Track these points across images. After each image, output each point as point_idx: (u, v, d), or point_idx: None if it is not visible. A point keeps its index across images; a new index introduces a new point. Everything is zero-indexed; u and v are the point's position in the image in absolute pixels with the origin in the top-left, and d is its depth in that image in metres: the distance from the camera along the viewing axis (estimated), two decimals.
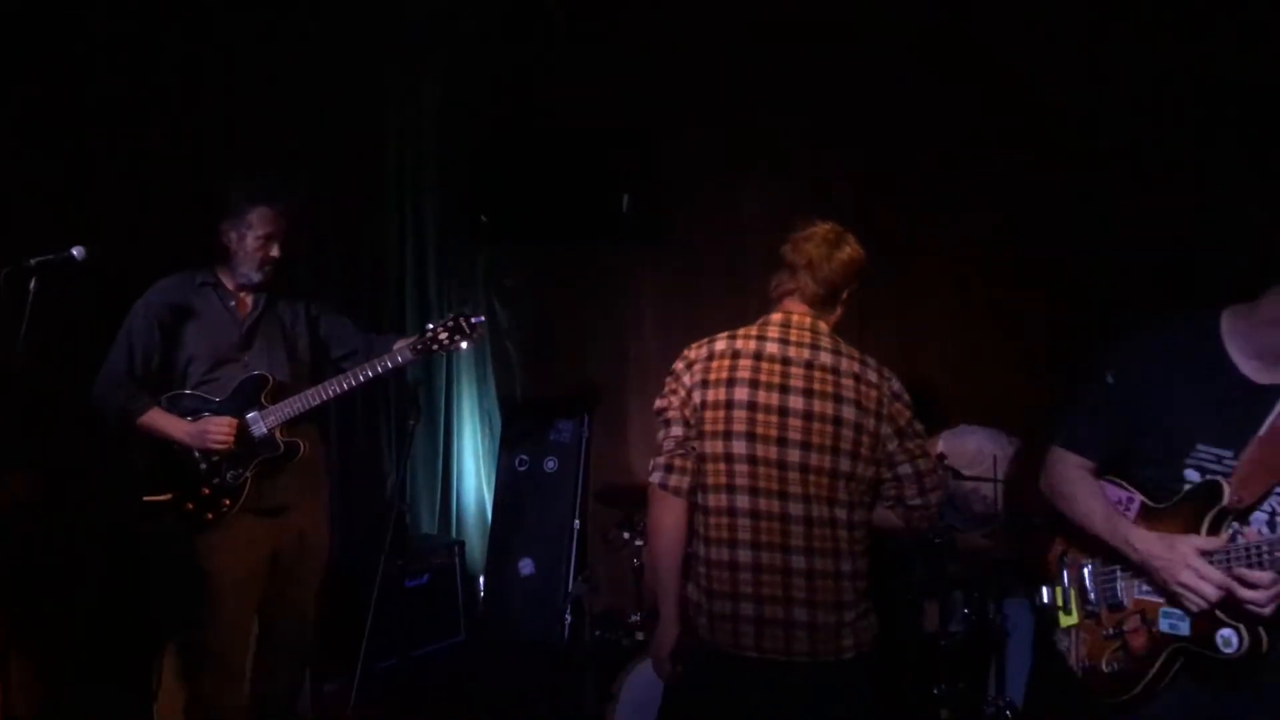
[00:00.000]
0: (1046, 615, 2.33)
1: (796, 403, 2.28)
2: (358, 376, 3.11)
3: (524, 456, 4.70)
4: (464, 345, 3.20)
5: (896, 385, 2.36)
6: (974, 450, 3.62)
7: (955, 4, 3.98)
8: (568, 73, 4.55)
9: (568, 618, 4.20)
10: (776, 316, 2.40)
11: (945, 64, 3.99)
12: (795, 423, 2.27)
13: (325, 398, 3.12)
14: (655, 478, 2.33)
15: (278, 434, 3.11)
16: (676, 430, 2.33)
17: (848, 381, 2.31)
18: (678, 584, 2.31)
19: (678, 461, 2.31)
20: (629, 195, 4.42)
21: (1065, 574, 2.27)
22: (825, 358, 2.33)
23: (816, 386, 2.30)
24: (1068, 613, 2.26)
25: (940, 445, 3.66)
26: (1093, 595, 2.20)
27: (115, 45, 3.63)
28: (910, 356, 4.18)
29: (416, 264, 4.89)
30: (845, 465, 2.27)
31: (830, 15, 4.16)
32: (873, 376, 2.34)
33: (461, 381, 5.02)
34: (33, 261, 2.62)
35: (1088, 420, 2.24)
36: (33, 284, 2.60)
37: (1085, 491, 2.19)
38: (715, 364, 2.34)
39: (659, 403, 2.39)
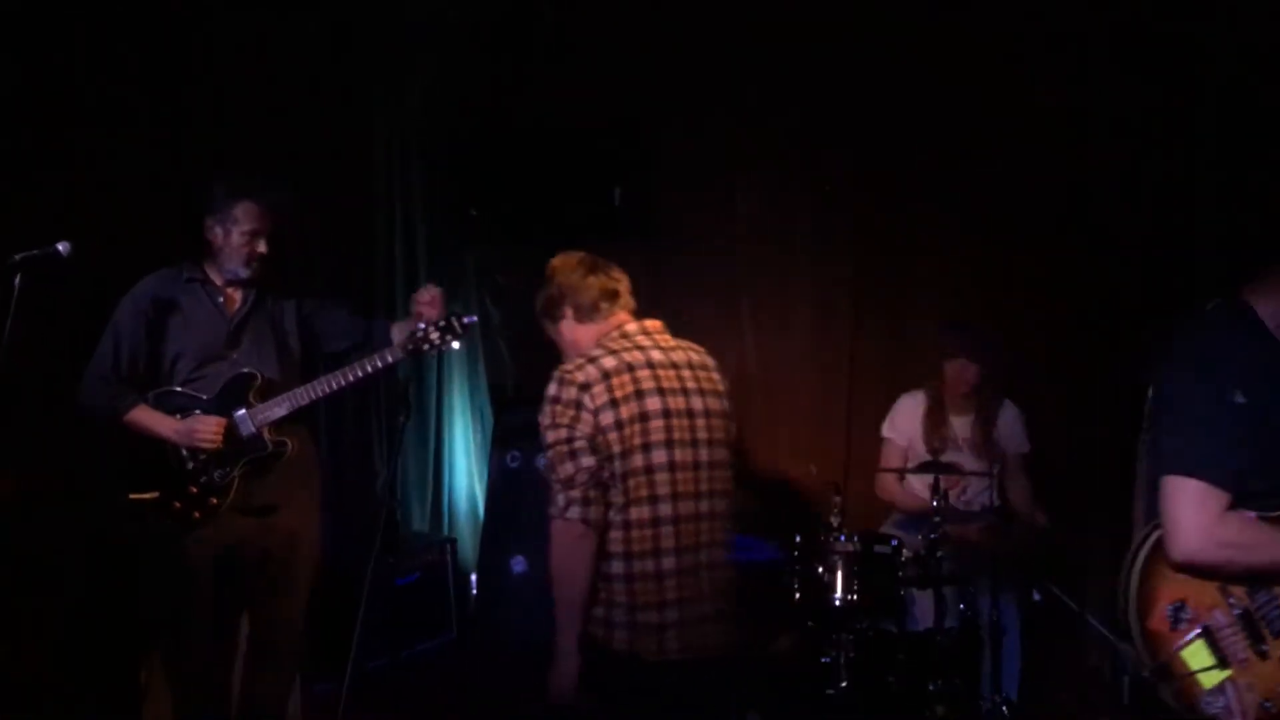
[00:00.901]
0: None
1: (696, 403, 2.37)
2: (347, 376, 3.08)
3: (516, 453, 4.67)
4: (455, 345, 3.18)
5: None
6: (905, 408, 3.78)
7: (952, 3, 3.97)
8: (558, 69, 4.53)
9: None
10: (630, 327, 2.42)
11: (941, 63, 3.99)
12: (700, 422, 2.36)
13: (314, 397, 3.09)
14: (574, 513, 2.23)
15: (266, 433, 3.08)
16: (587, 460, 2.25)
17: (714, 375, 2.46)
18: (582, 615, 2.29)
19: (592, 493, 2.25)
20: (620, 189, 4.41)
21: (1191, 629, 1.89)
22: (693, 356, 2.44)
23: (704, 385, 2.40)
24: (1214, 669, 1.87)
25: (885, 432, 3.80)
26: (1266, 631, 1.84)
27: (101, 40, 3.60)
28: (905, 354, 4.19)
29: (407, 262, 4.87)
30: (727, 455, 2.41)
31: (826, 13, 4.15)
32: (713, 362, 2.48)
33: (453, 378, 4.99)
34: (17, 257, 2.59)
35: (1226, 448, 1.86)
36: (17, 280, 2.57)
37: (1263, 535, 1.84)
38: (616, 381, 2.29)
39: (557, 434, 2.28)
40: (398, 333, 3.20)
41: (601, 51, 4.49)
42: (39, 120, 3.46)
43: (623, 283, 2.49)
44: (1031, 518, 3.68)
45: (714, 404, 2.39)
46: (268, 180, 3.18)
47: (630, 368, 2.33)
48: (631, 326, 2.42)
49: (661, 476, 2.29)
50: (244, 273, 3.10)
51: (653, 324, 2.45)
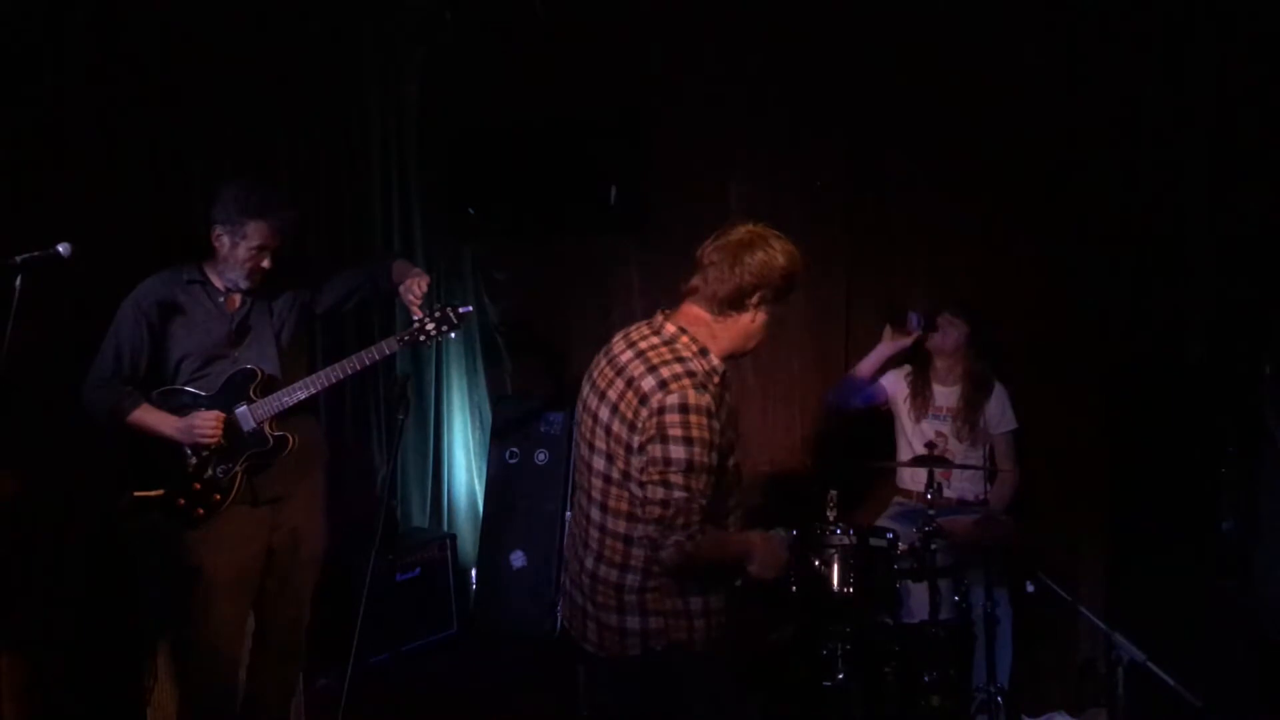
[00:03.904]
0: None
1: (603, 412, 2.33)
2: (346, 369, 3.11)
3: (514, 449, 4.70)
4: (452, 335, 3.21)
5: (671, 400, 2.22)
6: (890, 376, 3.90)
7: None
8: (551, 64, 4.54)
9: (560, 609, 4.20)
10: (653, 319, 2.39)
11: (934, 53, 4.00)
12: (599, 430, 2.33)
13: (314, 390, 3.11)
14: None
15: (267, 428, 3.11)
16: None
17: (620, 384, 2.31)
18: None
19: None
20: (616, 187, 4.42)
21: None
22: (633, 367, 2.30)
23: (615, 398, 2.31)
24: None
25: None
26: None
27: (95, 40, 3.60)
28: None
29: (405, 259, 4.87)
30: (618, 474, 2.30)
31: (820, 8, 4.16)
32: (647, 385, 2.25)
33: (451, 374, 5.01)
34: (18, 258, 2.61)
35: None
36: (18, 281, 2.58)
37: None
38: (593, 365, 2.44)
39: None
40: (398, 271, 3.24)
41: (598, 49, 4.50)
42: (39, 120, 3.47)
43: (696, 276, 2.36)
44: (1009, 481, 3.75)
45: (614, 422, 2.29)
46: (281, 195, 3.20)
47: (598, 359, 2.43)
48: (654, 319, 2.39)
49: (579, 469, 2.43)
50: (244, 284, 3.12)
51: (661, 319, 2.37)
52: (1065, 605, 3.48)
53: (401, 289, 3.20)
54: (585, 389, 2.42)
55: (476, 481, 4.99)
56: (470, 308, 3.25)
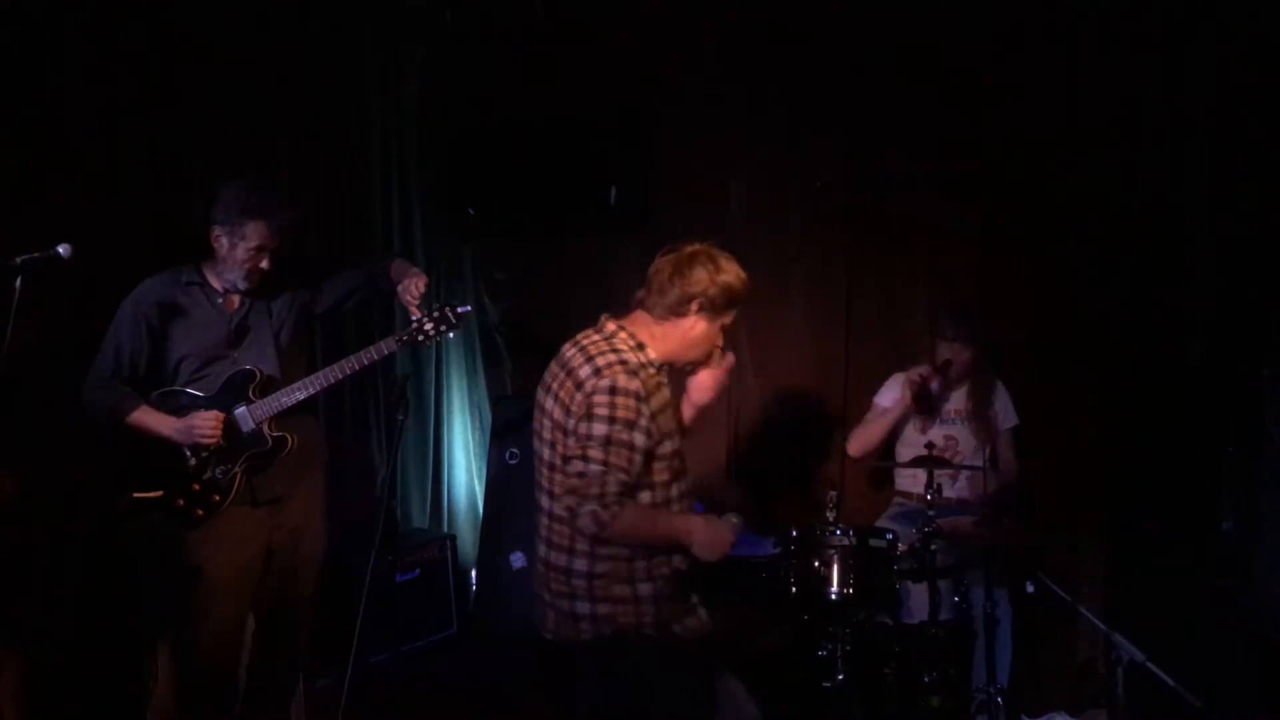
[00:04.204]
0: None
1: (549, 403, 2.53)
2: (345, 369, 3.11)
3: (514, 449, 4.69)
4: (450, 335, 3.21)
5: (602, 383, 2.40)
6: (896, 383, 3.82)
7: None
8: (551, 64, 4.54)
9: None
10: (603, 321, 2.59)
11: (934, 53, 4.00)
12: (546, 422, 2.52)
13: (313, 390, 3.12)
14: None
15: (266, 428, 3.11)
16: None
17: (562, 376, 2.50)
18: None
19: None
20: (616, 187, 4.42)
21: None
22: (576, 362, 2.49)
23: (557, 390, 2.51)
24: None
25: (877, 399, 3.87)
26: None
27: (95, 40, 3.61)
28: (899, 349, 4.20)
29: (404, 258, 4.87)
30: (555, 458, 2.49)
31: (818, 8, 4.16)
32: (584, 373, 2.44)
33: (451, 375, 5.01)
34: (18, 259, 2.61)
35: None
36: (18, 282, 2.59)
37: None
38: None
39: None
40: (397, 271, 3.25)
41: (598, 49, 4.50)
42: (39, 121, 3.47)
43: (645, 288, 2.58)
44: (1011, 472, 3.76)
45: (555, 409, 2.49)
46: (280, 196, 3.19)
47: (551, 364, 2.59)
48: (601, 322, 2.59)
49: (536, 463, 2.58)
50: (243, 285, 3.12)
51: (611, 324, 2.56)
52: (1065, 605, 3.48)
53: (400, 289, 3.20)
54: (540, 391, 2.59)
55: (476, 482, 4.99)
56: (469, 308, 3.25)
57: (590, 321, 2.49)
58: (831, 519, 3.41)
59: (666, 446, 2.50)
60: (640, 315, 2.56)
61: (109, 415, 3.05)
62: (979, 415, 3.76)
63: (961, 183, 4.02)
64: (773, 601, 3.38)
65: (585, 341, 2.54)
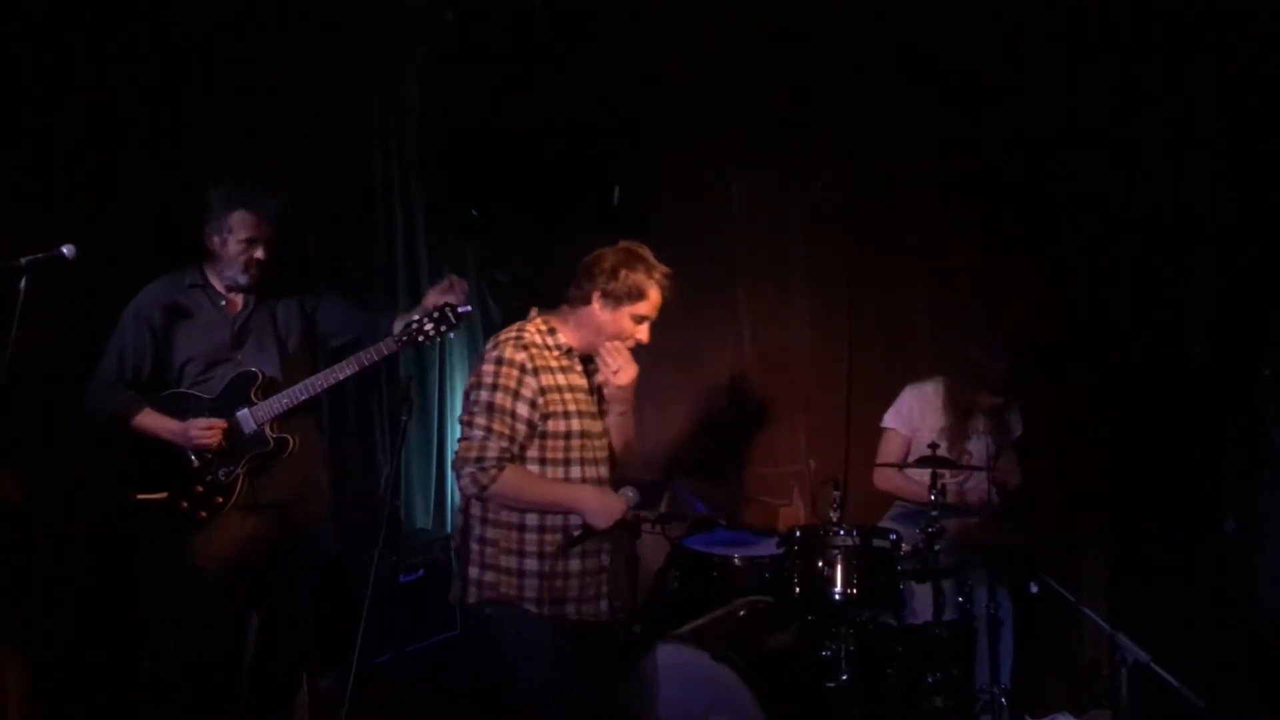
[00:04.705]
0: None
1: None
2: (345, 370, 3.11)
3: None
4: (451, 335, 3.20)
5: (492, 354, 2.59)
6: (912, 400, 3.73)
7: None
8: (552, 64, 4.54)
9: None
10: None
11: (934, 53, 4.01)
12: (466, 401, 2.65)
13: (314, 391, 3.12)
14: None
15: (267, 429, 3.11)
16: None
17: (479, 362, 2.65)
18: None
19: None
20: (620, 188, 4.42)
21: None
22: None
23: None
24: None
25: (886, 420, 3.75)
26: None
27: (96, 41, 3.61)
28: (902, 348, 4.21)
29: (407, 260, 4.88)
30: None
31: (820, 8, 4.17)
32: (485, 350, 2.64)
33: (454, 375, 5.01)
34: (22, 260, 2.61)
35: None
36: (22, 282, 2.59)
37: None
38: None
39: None
40: (399, 327, 3.23)
41: (599, 49, 4.50)
42: (42, 123, 3.47)
43: None
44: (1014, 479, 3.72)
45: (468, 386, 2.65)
46: (262, 186, 3.18)
47: None
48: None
49: None
50: (242, 280, 3.13)
51: (533, 311, 2.73)
52: (1068, 606, 3.48)
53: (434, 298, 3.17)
54: None
55: None
56: (470, 308, 3.24)
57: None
58: (835, 519, 3.41)
59: (559, 425, 2.60)
60: (564, 306, 2.71)
61: (111, 418, 3.05)
62: (1001, 429, 3.70)
63: (961, 183, 4.03)
64: (777, 602, 3.38)
65: (502, 333, 2.70)
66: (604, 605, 2.68)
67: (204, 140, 3.87)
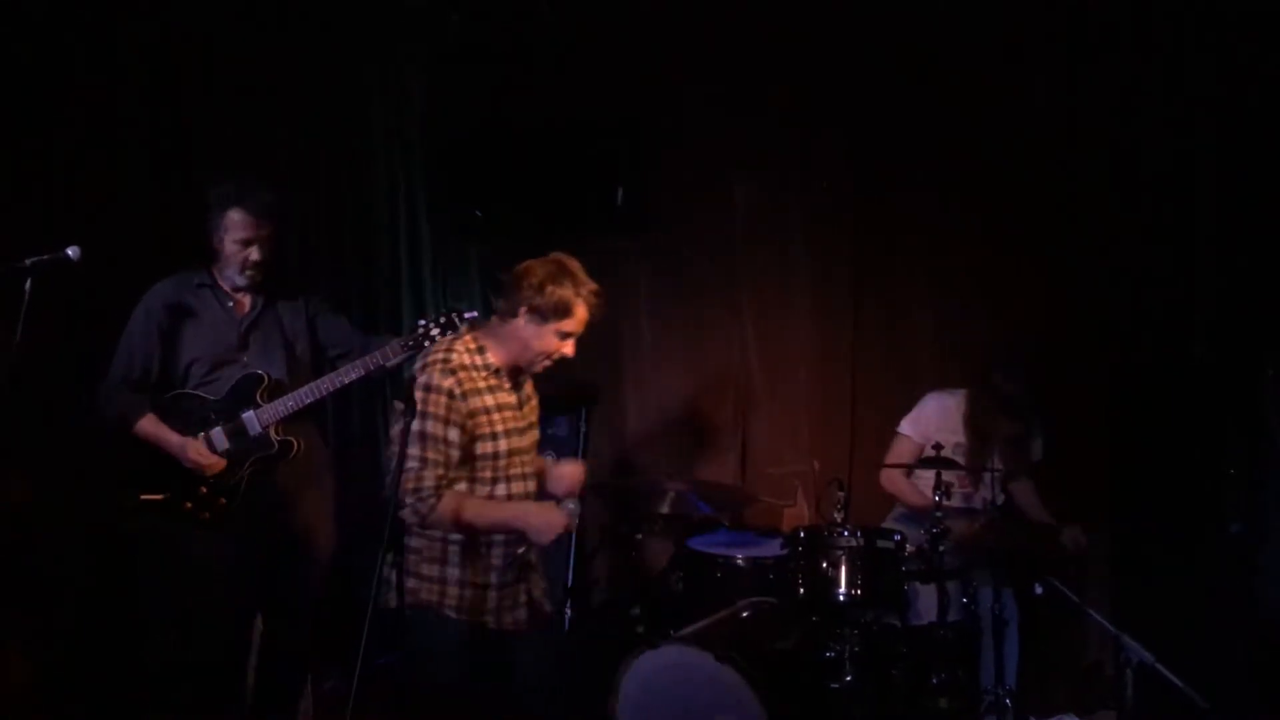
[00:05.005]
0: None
1: None
2: (350, 374, 3.11)
3: None
4: None
5: (420, 380, 2.58)
6: (932, 411, 3.68)
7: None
8: (555, 64, 4.54)
9: (567, 612, 4.19)
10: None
11: (934, 53, 4.01)
12: None
13: (319, 395, 3.12)
14: None
15: (272, 432, 3.11)
16: None
17: None
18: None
19: None
20: (623, 189, 4.42)
21: None
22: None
23: None
24: None
25: (903, 426, 3.70)
26: None
27: (98, 43, 3.62)
28: (906, 348, 4.21)
29: (411, 262, 4.88)
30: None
31: (822, 9, 4.17)
32: (415, 369, 2.64)
33: None
34: (27, 262, 2.62)
35: None
36: (28, 284, 2.60)
37: None
38: None
39: None
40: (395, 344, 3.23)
41: (602, 50, 4.50)
42: (46, 126, 3.48)
43: None
44: (1041, 515, 3.69)
45: None
46: (256, 184, 3.15)
47: None
48: None
49: None
50: (241, 280, 3.13)
51: (465, 329, 2.85)
52: (1073, 607, 3.47)
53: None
54: None
55: None
56: (476, 313, 3.24)
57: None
58: (839, 520, 3.40)
59: (487, 446, 2.61)
60: (493, 319, 2.72)
61: (117, 420, 3.06)
62: (1016, 455, 3.66)
63: (961, 183, 4.03)
64: (782, 603, 3.38)
65: (434, 348, 2.70)
66: (523, 614, 2.73)
67: (206, 141, 3.88)
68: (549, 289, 2.60)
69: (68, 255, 2.69)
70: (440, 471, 2.56)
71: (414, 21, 4.67)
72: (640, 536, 3.66)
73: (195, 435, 3.09)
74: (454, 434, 2.57)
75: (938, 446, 3.58)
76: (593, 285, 2.67)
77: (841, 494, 3.47)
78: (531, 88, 4.58)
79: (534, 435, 2.79)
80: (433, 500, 2.55)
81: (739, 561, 3.62)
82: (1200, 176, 3.73)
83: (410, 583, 2.62)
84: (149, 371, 3.08)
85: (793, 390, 4.35)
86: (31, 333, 2.60)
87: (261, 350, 3.17)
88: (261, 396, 3.12)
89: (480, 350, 2.67)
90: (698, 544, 3.78)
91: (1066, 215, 3.92)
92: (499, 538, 2.65)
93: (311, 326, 3.30)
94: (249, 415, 3.10)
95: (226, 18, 3.96)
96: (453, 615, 2.61)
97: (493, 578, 2.66)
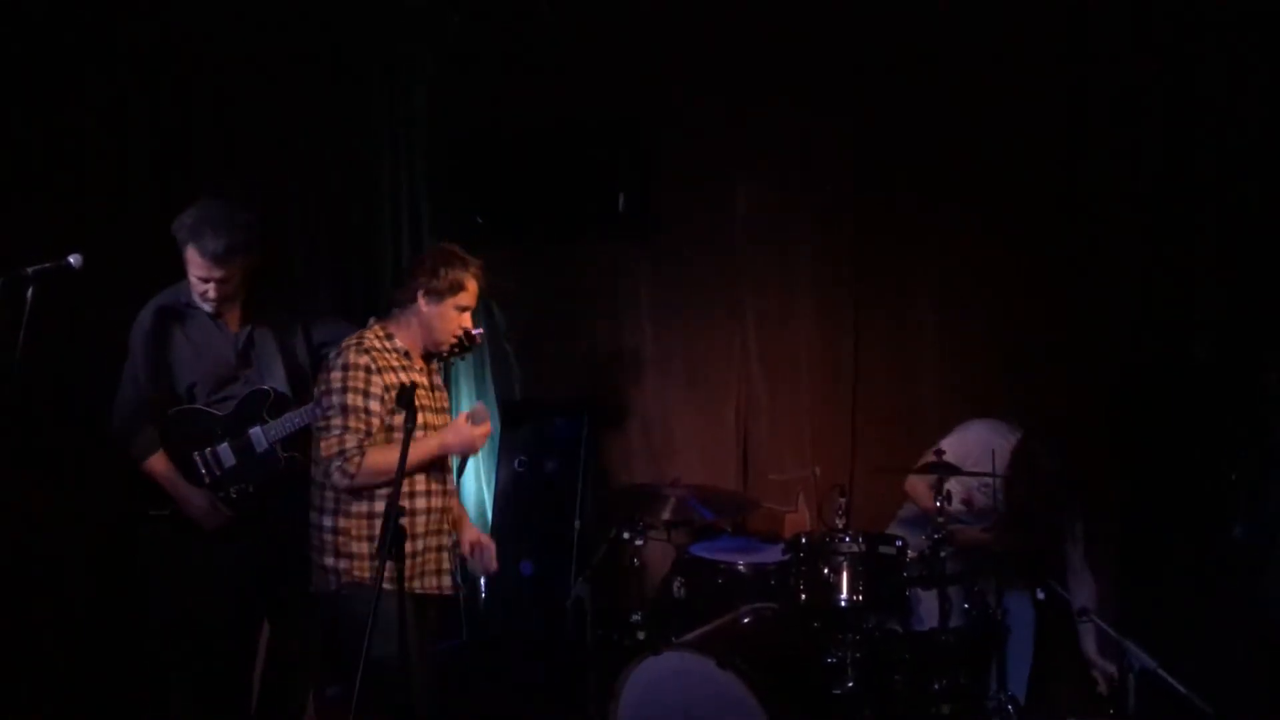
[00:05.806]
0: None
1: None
2: None
3: (523, 457, 4.68)
4: (463, 359, 3.22)
5: (337, 360, 2.80)
6: (974, 442, 3.60)
7: None
8: (557, 69, 4.55)
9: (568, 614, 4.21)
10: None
11: (934, 53, 4.01)
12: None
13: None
14: None
15: (279, 449, 3.12)
16: None
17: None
18: None
19: None
20: (625, 194, 4.42)
21: None
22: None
23: None
24: None
25: (943, 444, 3.62)
26: None
27: (100, 48, 3.62)
28: (907, 352, 4.20)
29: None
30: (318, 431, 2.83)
31: (824, 10, 4.17)
32: (331, 356, 2.84)
33: (459, 383, 5.01)
34: (29, 270, 2.62)
35: None
36: (30, 292, 2.60)
37: None
38: None
39: None
40: None
41: (603, 53, 4.50)
42: (49, 132, 3.49)
43: None
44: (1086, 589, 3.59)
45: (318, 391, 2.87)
46: (214, 226, 2.95)
47: None
48: None
49: None
50: (206, 308, 3.08)
51: (373, 320, 2.96)
52: (1076, 612, 3.46)
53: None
54: None
55: (485, 490, 4.99)
56: (481, 330, 3.23)
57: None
58: (841, 525, 3.40)
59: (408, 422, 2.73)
60: (394, 310, 2.93)
61: (126, 448, 3.07)
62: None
63: (962, 183, 4.02)
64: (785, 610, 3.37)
65: (345, 339, 2.88)
66: (446, 580, 2.96)
67: (207, 144, 3.88)
68: (441, 270, 2.85)
69: (70, 263, 2.68)
70: (361, 436, 2.76)
71: (415, 23, 4.67)
72: (641, 542, 3.65)
73: (203, 450, 3.11)
74: (374, 404, 2.78)
75: (939, 453, 3.56)
76: (478, 262, 2.90)
77: (843, 499, 3.47)
78: (532, 89, 4.58)
79: (447, 418, 3.00)
80: (358, 458, 2.74)
81: (740, 567, 3.62)
82: (1200, 176, 3.72)
83: (342, 563, 2.80)
84: (156, 385, 3.08)
85: (794, 395, 4.34)
86: (34, 341, 2.60)
87: (262, 365, 3.15)
88: (267, 413, 3.12)
89: (389, 336, 2.90)
90: (699, 550, 3.78)
91: (1066, 215, 3.91)
92: (421, 504, 2.86)
93: (306, 330, 3.29)
94: (255, 431, 3.11)
95: (227, 19, 3.96)
96: (389, 587, 2.66)
97: (419, 544, 2.85)
